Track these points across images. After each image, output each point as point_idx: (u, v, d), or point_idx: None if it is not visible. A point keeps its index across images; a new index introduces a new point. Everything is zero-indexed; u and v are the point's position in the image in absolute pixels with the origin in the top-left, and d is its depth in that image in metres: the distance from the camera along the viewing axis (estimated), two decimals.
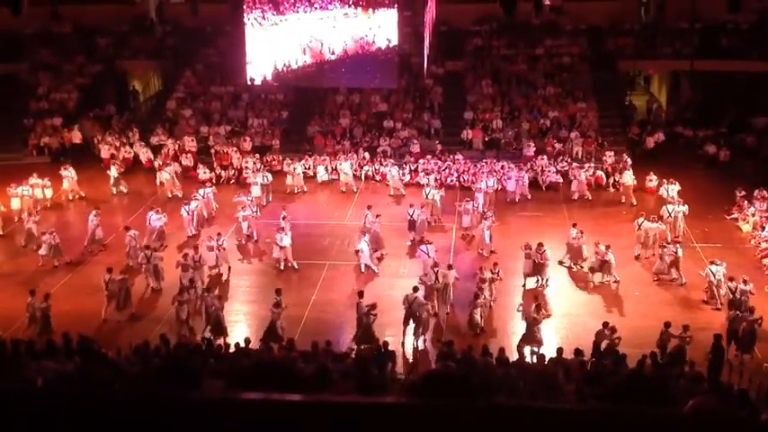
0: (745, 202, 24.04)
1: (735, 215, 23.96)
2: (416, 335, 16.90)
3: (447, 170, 27.72)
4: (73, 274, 20.73)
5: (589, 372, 13.56)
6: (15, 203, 24.22)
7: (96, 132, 31.40)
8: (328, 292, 19.60)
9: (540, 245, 19.49)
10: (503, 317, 18.28)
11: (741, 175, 27.05)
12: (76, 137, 31.24)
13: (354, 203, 25.91)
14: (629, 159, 27.55)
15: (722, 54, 31.86)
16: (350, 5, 22.48)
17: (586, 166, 27.80)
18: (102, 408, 2.94)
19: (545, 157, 28.37)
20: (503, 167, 27.02)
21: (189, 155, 29.40)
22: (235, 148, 29.70)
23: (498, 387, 11.56)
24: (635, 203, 25.34)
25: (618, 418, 2.94)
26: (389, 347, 15.18)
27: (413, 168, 28.05)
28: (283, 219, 21.89)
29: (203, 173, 27.70)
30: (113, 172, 27.26)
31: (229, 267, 20.69)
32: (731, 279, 17.78)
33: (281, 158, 28.94)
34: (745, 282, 17.49)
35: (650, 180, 26.34)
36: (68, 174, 26.61)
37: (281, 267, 20.79)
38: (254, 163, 28.26)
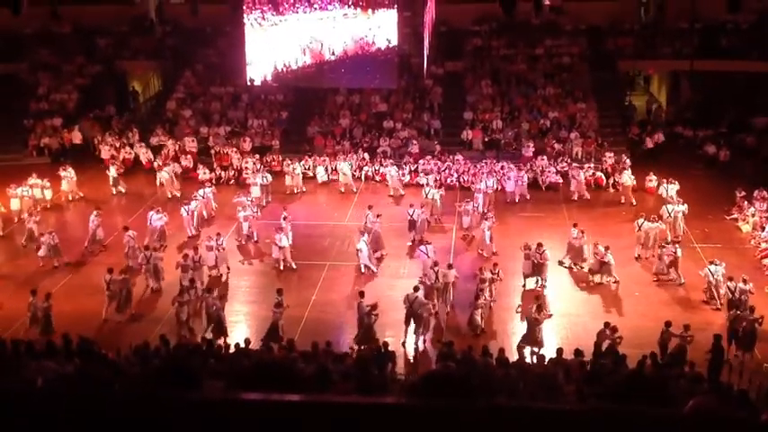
0: (745, 202, 24.03)
1: (735, 215, 23.95)
2: (417, 334, 16.92)
3: (447, 170, 27.72)
4: (73, 274, 20.73)
5: (589, 372, 13.55)
6: (15, 204, 24.20)
7: (96, 133, 31.40)
8: (328, 293, 19.60)
9: (540, 245, 19.49)
10: (503, 317, 18.29)
11: (741, 175, 27.03)
12: (76, 137, 31.24)
13: (354, 204, 25.92)
14: (627, 160, 27.54)
15: (722, 54, 31.83)
16: (349, 6, 22.48)
17: (586, 166, 27.80)
18: (102, 408, 2.95)
19: (545, 157, 28.35)
20: (502, 168, 27.00)
21: (189, 155, 29.43)
22: (235, 149, 29.70)
23: (498, 388, 11.55)
24: (634, 203, 25.33)
25: (618, 419, 2.95)
26: (389, 348, 15.20)
27: (412, 169, 28.06)
28: (284, 219, 21.92)
29: (203, 173, 27.71)
30: (112, 172, 27.29)
31: (228, 268, 20.69)
32: (730, 279, 17.78)
33: (280, 159, 28.94)
34: (744, 281, 17.48)
35: (650, 180, 26.33)
36: (67, 174, 26.60)
37: (281, 268, 20.82)
38: (254, 163, 28.25)
